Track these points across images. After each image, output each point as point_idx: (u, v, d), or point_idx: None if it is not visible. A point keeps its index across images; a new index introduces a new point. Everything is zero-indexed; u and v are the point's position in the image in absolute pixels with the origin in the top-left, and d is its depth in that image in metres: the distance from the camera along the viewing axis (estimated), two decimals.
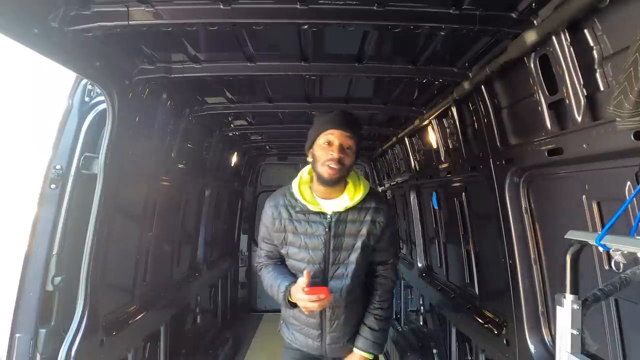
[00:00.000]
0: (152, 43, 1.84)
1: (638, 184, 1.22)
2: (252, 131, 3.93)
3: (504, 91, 1.91)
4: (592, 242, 0.95)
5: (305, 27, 1.57)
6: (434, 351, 3.30)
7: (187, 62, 2.03)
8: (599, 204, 1.42)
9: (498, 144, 1.95)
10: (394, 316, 4.72)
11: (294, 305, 1.58)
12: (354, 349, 1.70)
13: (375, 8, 1.46)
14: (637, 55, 0.94)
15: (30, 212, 1.81)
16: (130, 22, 1.48)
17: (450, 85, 2.20)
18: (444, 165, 2.80)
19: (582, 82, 1.33)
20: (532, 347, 1.78)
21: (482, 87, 1.96)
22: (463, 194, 2.68)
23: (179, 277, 3.27)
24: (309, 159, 1.67)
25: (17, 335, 1.70)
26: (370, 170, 5.48)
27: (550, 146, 1.53)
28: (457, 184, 2.77)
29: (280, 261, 1.77)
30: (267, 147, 4.94)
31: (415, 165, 3.56)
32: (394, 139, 3.74)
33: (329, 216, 1.62)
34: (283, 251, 1.71)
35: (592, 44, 1.28)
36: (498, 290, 2.14)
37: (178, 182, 3.02)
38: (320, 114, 1.72)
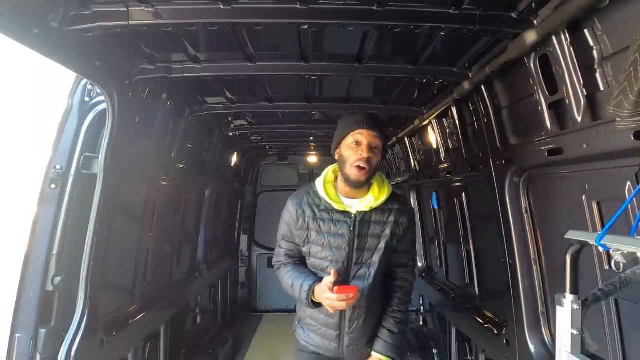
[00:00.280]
0: (152, 43, 1.84)
1: (638, 184, 1.22)
2: (252, 131, 3.93)
3: (504, 91, 1.91)
4: (592, 242, 0.95)
5: (305, 27, 1.57)
6: (434, 351, 3.31)
7: (187, 62, 2.03)
8: (599, 204, 1.42)
9: (498, 144, 1.95)
10: None
11: (317, 305, 1.57)
12: (373, 352, 1.68)
13: (375, 8, 1.46)
14: (637, 55, 0.94)
15: (30, 212, 1.81)
16: (130, 22, 1.48)
17: (450, 85, 2.20)
18: (444, 165, 2.80)
19: (582, 82, 1.33)
20: (532, 347, 1.79)
21: (482, 87, 1.96)
22: (463, 194, 2.68)
23: (179, 277, 3.27)
24: (336, 158, 1.69)
25: (17, 335, 1.70)
26: None
27: (550, 146, 1.53)
28: (457, 184, 2.77)
29: (299, 260, 1.75)
30: (267, 147, 4.94)
31: (415, 165, 3.56)
32: (394, 138, 3.74)
33: (353, 215, 1.62)
34: (305, 249, 1.69)
35: (592, 44, 1.28)
36: (498, 290, 2.14)
37: (178, 182, 3.02)
38: (346, 116, 1.74)
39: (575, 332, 0.96)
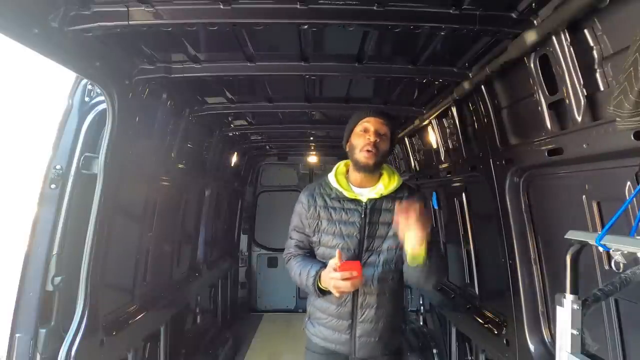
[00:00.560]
0: (152, 43, 1.84)
1: (638, 184, 1.22)
2: (252, 131, 3.93)
3: (504, 91, 1.91)
4: (592, 242, 0.95)
5: (305, 27, 1.57)
6: (434, 351, 3.31)
7: (187, 62, 2.03)
8: (599, 204, 1.42)
9: (498, 144, 1.95)
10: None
11: (323, 293, 1.57)
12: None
13: (375, 8, 1.46)
14: (637, 55, 0.94)
15: (30, 212, 1.81)
16: (130, 22, 1.48)
17: (450, 85, 2.21)
18: (444, 165, 2.80)
19: (582, 82, 1.33)
20: (532, 347, 1.79)
21: (482, 87, 1.96)
22: (463, 194, 2.69)
23: (179, 277, 3.27)
24: (347, 150, 1.73)
25: (17, 335, 1.70)
26: None
27: (550, 146, 1.53)
28: (457, 184, 2.77)
29: (309, 252, 1.76)
30: (267, 147, 4.94)
31: (415, 165, 3.56)
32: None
33: (364, 203, 1.65)
34: (315, 239, 1.70)
35: (592, 44, 1.28)
36: (498, 290, 2.14)
37: (178, 182, 3.02)
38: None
39: (575, 332, 0.96)
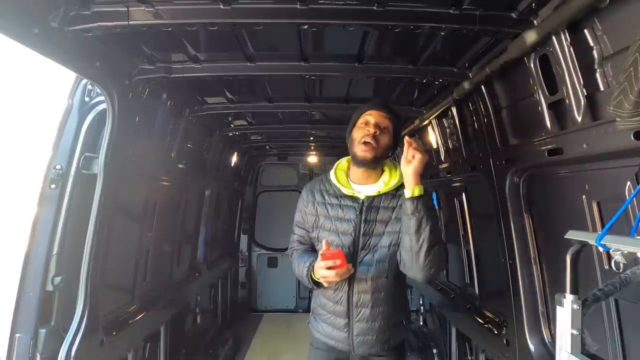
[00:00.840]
0: (152, 43, 1.84)
1: (638, 184, 1.22)
2: (252, 131, 3.93)
3: (504, 91, 1.91)
4: (592, 242, 0.95)
5: (305, 27, 1.57)
6: (434, 351, 3.31)
7: (187, 62, 2.03)
8: (599, 204, 1.42)
9: (498, 144, 1.95)
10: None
11: (317, 284, 1.56)
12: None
13: (375, 8, 1.46)
14: (637, 55, 0.94)
15: (30, 212, 1.81)
16: (130, 22, 1.48)
17: (450, 85, 2.21)
18: (444, 165, 2.80)
19: (582, 82, 1.33)
20: (532, 347, 1.78)
21: (482, 87, 1.96)
22: (463, 194, 2.69)
23: (179, 277, 3.27)
24: (348, 143, 1.69)
25: (17, 335, 1.70)
26: None
27: (550, 146, 1.53)
28: (457, 184, 2.77)
29: (311, 248, 1.76)
30: (267, 147, 4.94)
31: None
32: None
33: (361, 200, 1.62)
34: (314, 235, 1.70)
35: (592, 44, 1.28)
36: (498, 290, 2.14)
37: (178, 182, 3.02)
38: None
39: (575, 332, 0.96)
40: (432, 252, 1.44)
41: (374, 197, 1.62)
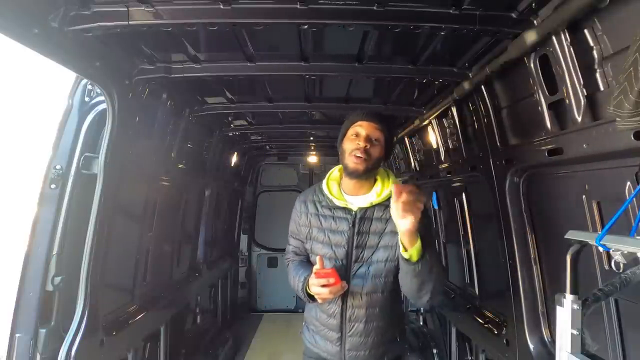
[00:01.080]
0: (152, 43, 1.84)
1: (638, 184, 1.22)
2: (252, 131, 3.93)
3: (504, 91, 1.91)
4: (592, 242, 0.95)
5: (305, 27, 1.57)
6: (434, 351, 3.31)
7: (187, 62, 2.03)
8: (599, 204, 1.42)
9: (498, 144, 1.95)
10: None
11: (312, 298, 1.55)
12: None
13: (375, 8, 1.46)
14: (637, 55, 0.94)
15: (30, 212, 1.81)
16: (130, 22, 1.48)
17: (450, 85, 2.20)
18: (444, 165, 2.80)
19: (582, 82, 1.33)
20: (532, 347, 1.79)
21: (482, 87, 1.96)
22: (463, 194, 2.69)
23: (179, 277, 3.27)
24: (339, 153, 1.65)
25: (17, 335, 1.70)
26: None
27: (550, 146, 1.53)
28: (457, 184, 2.77)
29: (306, 258, 1.74)
30: (267, 147, 4.94)
31: (415, 165, 3.56)
32: (394, 139, 3.74)
33: (354, 212, 1.59)
34: (307, 246, 1.69)
35: (592, 44, 1.28)
36: (498, 290, 2.15)
37: (178, 182, 3.02)
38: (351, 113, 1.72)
39: (575, 332, 0.96)
40: (435, 292, 1.42)
41: (366, 208, 1.59)
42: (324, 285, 1.43)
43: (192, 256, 3.66)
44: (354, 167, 1.54)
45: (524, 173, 1.83)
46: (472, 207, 2.62)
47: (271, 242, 5.48)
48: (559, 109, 1.50)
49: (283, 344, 4.30)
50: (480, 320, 2.33)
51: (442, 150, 2.80)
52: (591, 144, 1.30)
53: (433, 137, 2.88)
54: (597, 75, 1.29)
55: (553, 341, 1.75)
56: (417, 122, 2.98)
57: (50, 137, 1.89)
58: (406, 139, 3.54)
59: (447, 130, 2.64)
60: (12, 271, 1.79)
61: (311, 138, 4.33)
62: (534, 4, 1.40)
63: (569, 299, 0.98)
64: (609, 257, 0.99)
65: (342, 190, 1.66)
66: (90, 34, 1.53)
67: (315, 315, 1.69)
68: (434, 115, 2.65)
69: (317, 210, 1.66)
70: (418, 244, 1.33)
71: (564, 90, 1.39)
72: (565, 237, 1.04)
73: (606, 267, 1.37)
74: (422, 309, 3.86)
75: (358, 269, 1.58)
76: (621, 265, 0.90)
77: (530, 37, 1.44)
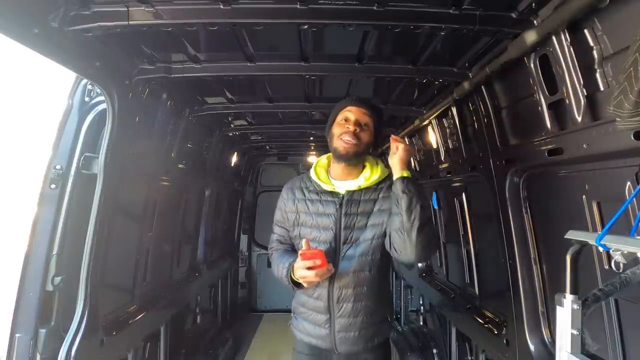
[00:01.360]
0: (152, 43, 1.84)
1: (638, 184, 1.22)
2: (252, 131, 3.93)
3: (504, 91, 1.91)
4: (592, 242, 0.95)
5: (305, 27, 1.56)
6: (434, 351, 3.31)
7: (187, 62, 2.03)
8: (599, 204, 1.42)
9: (498, 144, 1.95)
10: (394, 316, 4.72)
11: (297, 285, 1.55)
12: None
13: (375, 8, 1.46)
14: (637, 55, 0.94)
15: (30, 212, 1.81)
16: (130, 22, 1.48)
17: (450, 85, 2.20)
18: (444, 165, 2.80)
19: (582, 82, 1.33)
20: (532, 347, 1.78)
21: (482, 87, 1.96)
22: (463, 194, 2.68)
23: (179, 277, 3.27)
24: (329, 140, 1.68)
25: (17, 335, 1.70)
26: None
27: (550, 146, 1.53)
28: (457, 184, 2.77)
29: (291, 247, 1.75)
30: (267, 147, 4.94)
31: (415, 165, 3.56)
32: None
33: (341, 195, 1.61)
34: (295, 233, 1.69)
35: (592, 44, 1.28)
36: (498, 290, 2.14)
37: (178, 182, 3.02)
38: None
39: (575, 332, 0.96)
40: (423, 230, 1.44)
41: (354, 191, 1.61)
42: (310, 268, 1.43)
43: (192, 256, 3.66)
44: (344, 150, 1.56)
45: (524, 173, 1.83)
46: (472, 207, 2.62)
47: None
48: (559, 109, 1.50)
49: (283, 344, 4.29)
50: (480, 320, 2.32)
51: (442, 150, 2.80)
52: (591, 144, 1.30)
53: (433, 137, 2.88)
54: (597, 75, 1.29)
55: (553, 341, 1.74)
56: (417, 122, 2.98)
57: (50, 137, 1.89)
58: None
59: (447, 130, 2.64)
60: (12, 271, 1.79)
61: (311, 138, 4.33)
62: (534, 4, 1.40)
63: (569, 299, 0.98)
64: (609, 257, 0.99)
65: (329, 176, 1.68)
66: (90, 34, 1.53)
67: (302, 301, 1.69)
68: (434, 115, 2.65)
69: (305, 195, 1.67)
70: (407, 171, 1.50)
71: (564, 90, 1.39)
72: (565, 237, 1.04)
73: (606, 267, 1.37)
74: (422, 308, 3.86)
75: (347, 250, 1.59)
76: (621, 265, 0.90)
77: (530, 37, 1.44)
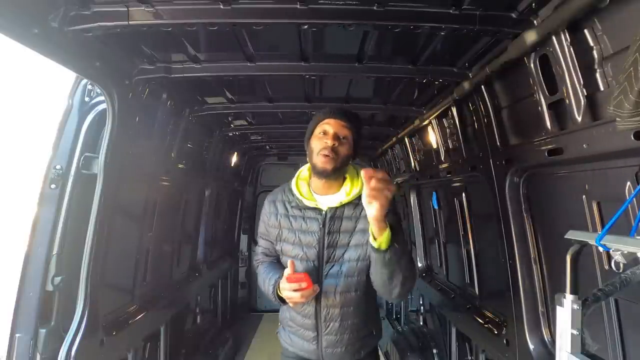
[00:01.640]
0: (152, 43, 1.84)
1: (638, 184, 1.22)
2: (252, 131, 3.93)
3: (504, 91, 1.91)
4: (592, 242, 0.95)
5: (305, 27, 1.56)
6: (434, 351, 3.31)
7: (187, 62, 2.03)
8: (599, 204, 1.42)
9: (498, 144, 1.95)
10: (394, 316, 4.73)
11: (283, 301, 1.53)
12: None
13: (375, 8, 1.46)
14: (637, 55, 0.94)
15: (30, 212, 1.81)
16: (130, 22, 1.48)
17: (450, 85, 2.20)
18: (444, 165, 2.80)
19: (582, 82, 1.33)
20: (532, 347, 1.78)
21: (482, 87, 1.96)
22: (463, 194, 2.69)
23: (179, 277, 3.27)
24: (307, 152, 1.63)
25: (17, 335, 1.70)
26: None
27: (550, 146, 1.53)
28: (457, 184, 2.77)
29: (276, 259, 1.73)
30: (267, 147, 4.94)
31: (415, 165, 3.56)
32: (394, 139, 3.74)
33: (324, 212, 1.57)
34: (278, 248, 1.66)
35: (592, 44, 1.28)
36: (498, 290, 2.14)
37: (178, 182, 3.02)
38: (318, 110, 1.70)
39: (575, 332, 0.96)
40: (405, 285, 1.41)
41: (336, 208, 1.57)
42: (296, 290, 1.42)
43: (192, 256, 3.66)
44: (322, 167, 1.51)
45: (524, 173, 1.83)
46: (472, 207, 2.62)
47: None
48: (559, 109, 1.50)
49: None
50: (480, 320, 2.32)
51: (442, 150, 2.80)
52: (591, 144, 1.30)
53: (433, 137, 2.88)
54: (597, 75, 1.29)
55: (553, 341, 1.74)
56: (417, 122, 2.98)
57: (50, 137, 1.89)
58: (406, 139, 3.54)
59: (447, 130, 2.64)
60: (12, 271, 1.79)
61: None
62: (534, 4, 1.40)
63: (569, 299, 0.98)
64: (609, 257, 0.99)
65: (311, 190, 1.63)
66: (90, 34, 1.53)
67: (290, 317, 1.67)
68: (434, 115, 2.65)
69: (287, 210, 1.63)
70: (387, 233, 1.31)
71: (564, 90, 1.39)
72: (565, 237, 1.04)
73: (606, 267, 1.37)
74: (422, 308, 3.86)
75: (330, 268, 1.56)
76: (621, 265, 0.90)
77: (530, 37, 1.44)
